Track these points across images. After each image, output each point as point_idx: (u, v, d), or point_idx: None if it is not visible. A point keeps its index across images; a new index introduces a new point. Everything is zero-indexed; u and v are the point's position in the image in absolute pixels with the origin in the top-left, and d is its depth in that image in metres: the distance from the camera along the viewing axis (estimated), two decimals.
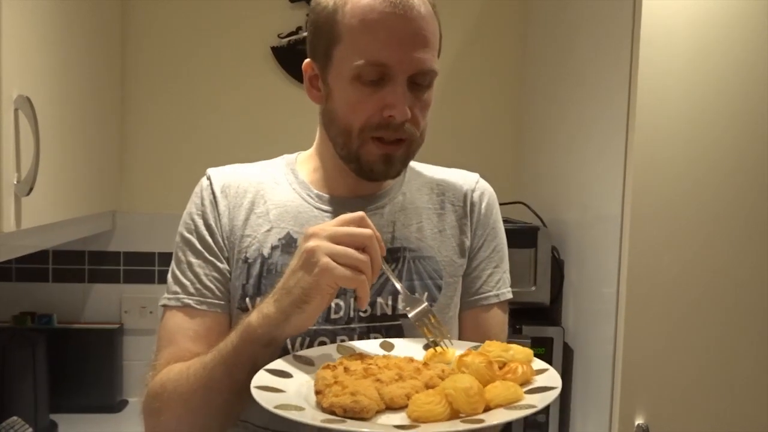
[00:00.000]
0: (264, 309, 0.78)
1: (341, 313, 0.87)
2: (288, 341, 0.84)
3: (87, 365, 1.89)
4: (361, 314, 0.87)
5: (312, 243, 0.75)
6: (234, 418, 0.86)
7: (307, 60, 0.89)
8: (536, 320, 1.67)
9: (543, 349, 1.61)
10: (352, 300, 0.87)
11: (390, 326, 0.87)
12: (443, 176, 0.99)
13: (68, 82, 1.51)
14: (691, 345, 1.30)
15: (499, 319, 0.95)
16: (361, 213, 0.78)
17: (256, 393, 0.68)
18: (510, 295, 0.97)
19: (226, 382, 0.78)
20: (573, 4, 1.71)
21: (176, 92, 2.01)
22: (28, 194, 1.22)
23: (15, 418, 1.57)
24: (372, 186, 0.92)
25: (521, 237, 1.66)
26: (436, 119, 2.16)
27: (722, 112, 1.28)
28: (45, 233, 1.43)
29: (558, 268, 1.70)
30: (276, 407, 0.65)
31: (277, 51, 2.01)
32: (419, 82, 0.84)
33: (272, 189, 0.93)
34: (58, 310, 1.94)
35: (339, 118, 0.86)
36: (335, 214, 0.89)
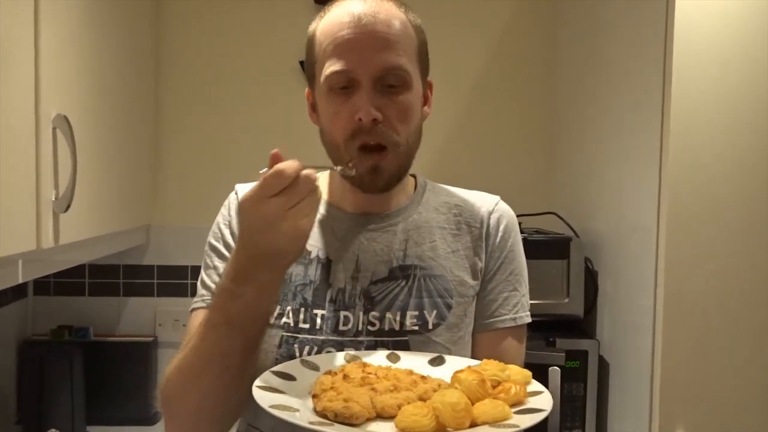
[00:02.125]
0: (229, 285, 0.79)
1: (350, 325, 0.89)
2: (297, 349, 0.88)
3: (122, 378, 1.92)
4: (369, 328, 0.89)
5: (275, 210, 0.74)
6: (232, 405, 0.86)
7: (307, 88, 0.95)
8: (570, 333, 1.64)
9: (578, 363, 1.58)
10: (360, 313, 0.89)
11: (397, 341, 0.89)
12: (463, 197, 0.99)
13: (104, 101, 1.55)
14: (733, 358, 1.26)
15: (515, 343, 0.95)
16: (297, 165, 0.74)
17: (256, 392, 0.71)
18: (528, 320, 0.96)
19: (207, 362, 0.81)
20: (604, 8, 1.69)
21: (207, 109, 2.04)
22: (66, 211, 1.24)
23: (53, 430, 1.60)
24: (384, 203, 0.95)
25: (553, 248, 1.63)
26: (467, 130, 2.17)
27: (760, 117, 1.25)
28: (82, 248, 1.46)
29: (592, 280, 1.67)
30: (271, 406, 0.68)
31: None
32: (390, 83, 0.86)
33: None
34: (95, 323, 1.98)
35: (326, 133, 0.91)
36: (348, 229, 0.94)
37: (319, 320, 0.89)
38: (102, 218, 1.54)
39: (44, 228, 1.19)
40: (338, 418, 0.68)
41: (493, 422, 0.68)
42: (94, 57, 1.48)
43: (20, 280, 1.19)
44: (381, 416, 0.71)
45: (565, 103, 1.98)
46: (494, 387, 0.74)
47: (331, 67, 0.85)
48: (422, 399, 0.73)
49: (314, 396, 0.73)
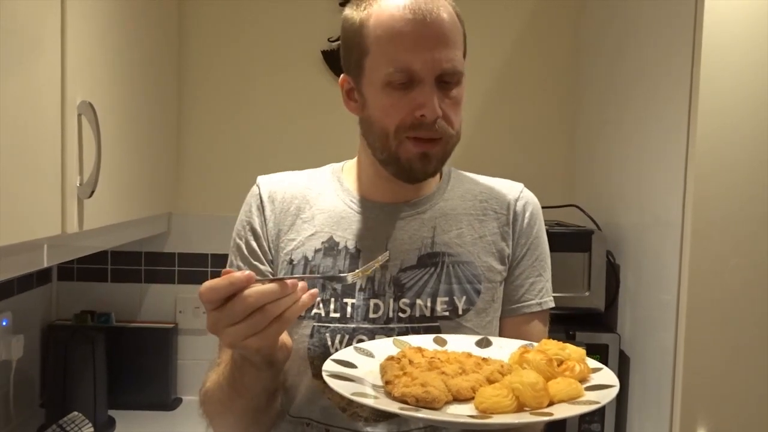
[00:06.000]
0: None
1: (380, 313, 0.90)
2: (328, 338, 0.89)
3: (143, 363, 1.94)
4: (400, 315, 0.90)
5: (212, 325, 0.72)
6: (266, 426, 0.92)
7: (343, 75, 0.95)
8: (591, 326, 1.63)
9: (598, 356, 1.57)
10: (390, 300, 0.90)
11: (428, 327, 0.90)
12: (488, 185, 1.01)
13: (128, 89, 1.56)
14: (757, 354, 1.24)
15: (541, 326, 0.97)
16: (231, 279, 0.69)
17: (330, 381, 0.71)
18: (552, 304, 0.98)
19: (237, 402, 0.85)
20: (630, 0, 1.66)
21: (229, 98, 2.05)
22: (90, 197, 1.26)
23: (76, 413, 1.62)
24: (411, 192, 0.96)
25: (574, 241, 1.62)
26: (488, 120, 2.15)
27: None
28: (105, 234, 1.48)
29: (614, 273, 1.65)
30: (353, 394, 0.68)
31: (327, 54, 2.02)
32: (447, 80, 0.87)
33: (318, 196, 0.98)
34: (117, 308, 2.00)
35: (375, 124, 0.90)
36: (376, 218, 0.94)
37: (349, 309, 0.90)
38: (125, 205, 1.56)
39: (69, 213, 1.20)
40: (419, 403, 0.68)
41: (569, 400, 0.69)
42: (119, 45, 1.49)
43: (45, 264, 1.20)
44: (456, 399, 0.71)
45: (589, 95, 1.95)
46: (558, 366, 0.75)
47: (394, 64, 0.85)
48: (490, 380, 0.73)
49: (387, 382, 0.73)
